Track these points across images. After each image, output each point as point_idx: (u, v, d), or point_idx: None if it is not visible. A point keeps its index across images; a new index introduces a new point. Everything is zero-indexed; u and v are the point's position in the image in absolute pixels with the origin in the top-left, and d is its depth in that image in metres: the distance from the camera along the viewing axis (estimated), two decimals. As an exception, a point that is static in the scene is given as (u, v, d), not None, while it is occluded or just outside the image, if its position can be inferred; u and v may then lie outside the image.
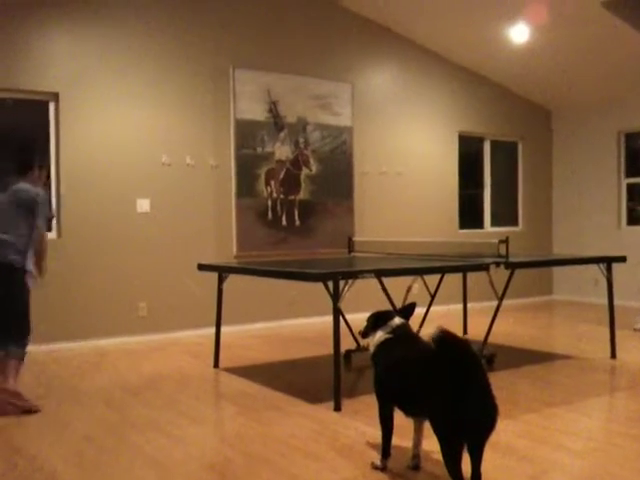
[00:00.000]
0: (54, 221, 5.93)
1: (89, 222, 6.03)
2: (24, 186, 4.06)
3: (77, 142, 5.96)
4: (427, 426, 2.59)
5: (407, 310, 3.12)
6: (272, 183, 6.92)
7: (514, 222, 9.20)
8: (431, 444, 2.72)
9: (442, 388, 2.40)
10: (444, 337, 2.42)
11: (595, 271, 5.42)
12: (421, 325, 5.49)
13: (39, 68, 5.81)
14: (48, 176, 4.76)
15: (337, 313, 3.78)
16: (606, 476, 2.81)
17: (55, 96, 5.91)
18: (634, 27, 6.60)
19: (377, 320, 3.01)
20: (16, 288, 3.98)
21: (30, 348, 5.58)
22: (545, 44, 7.32)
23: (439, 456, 2.43)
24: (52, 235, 5.93)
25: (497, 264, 4.62)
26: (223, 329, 5.18)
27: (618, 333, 5.32)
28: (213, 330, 5.11)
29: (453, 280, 5.94)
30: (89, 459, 3.12)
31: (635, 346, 5.70)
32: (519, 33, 7.08)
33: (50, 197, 4.67)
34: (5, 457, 3.14)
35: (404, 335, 2.90)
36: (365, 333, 3.05)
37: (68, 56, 5.94)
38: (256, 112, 6.80)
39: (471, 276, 5.81)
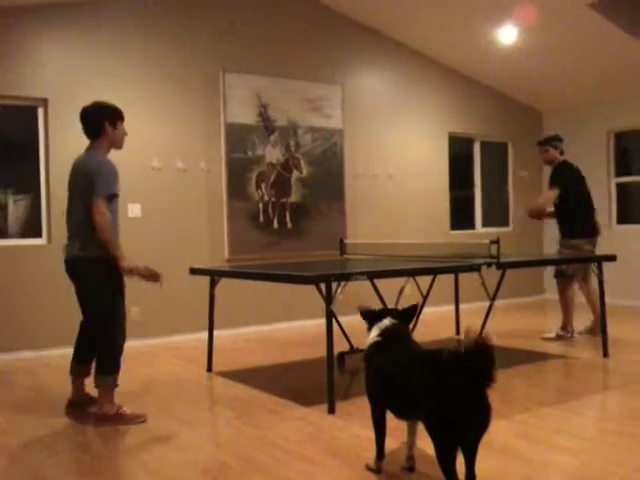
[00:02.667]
0: (44, 225, 5.91)
1: (80, 228, 5.99)
2: (84, 158, 3.84)
3: (66, 147, 5.90)
4: (421, 427, 2.59)
5: (407, 312, 3.05)
6: (263, 186, 6.92)
7: (505, 222, 9.23)
8: (425, 445, 2.72)
9: (436, 390, 2.41)
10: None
11: (586, 270, 5.46)
12: (414, 326, 5.49)
13: (27, 74, 5.78)
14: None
15: (330, 315, 3.79)
16: (600, 475, 2.82)
17: (44, 102, 5.89)
18: (620, 27, 6.64)
19: (371, 319, 3.00)
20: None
21: (22, 354, 5.62)
22: (533, 45, 7.36)
23: (433, 457, 2.43)
24: (42, 241, 5.91)
25: (488, 264, 4.63)
26: (216, 333, 5.17)
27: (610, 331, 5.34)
28: (206, 334, 5.10)
29: (445, 281, 5.95)
30: (86, 467, 3.11)
31: (627, 345, 5.73)
32: (507, 35, 7.11)
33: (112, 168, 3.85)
34: (2, 467, 3.12)
35: (394, 337, 2.87)
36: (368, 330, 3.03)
37: (57, 62, 5.92)
38: (246, 116, 6.80)
39: (463, 277, 5.82)
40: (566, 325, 6.05)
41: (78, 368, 3.93)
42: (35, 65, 5.81)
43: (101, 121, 3.89)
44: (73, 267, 3.81)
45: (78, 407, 3.90)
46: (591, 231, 5.98)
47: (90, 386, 3.91)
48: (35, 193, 5.97)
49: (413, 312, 3.06)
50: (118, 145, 4.04)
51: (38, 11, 5.79)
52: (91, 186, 3.68)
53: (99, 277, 3.73)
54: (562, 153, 6.14)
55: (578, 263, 5.85)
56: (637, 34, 6.75)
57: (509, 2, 6.57)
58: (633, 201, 8.85)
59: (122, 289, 3.87)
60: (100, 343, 3.78)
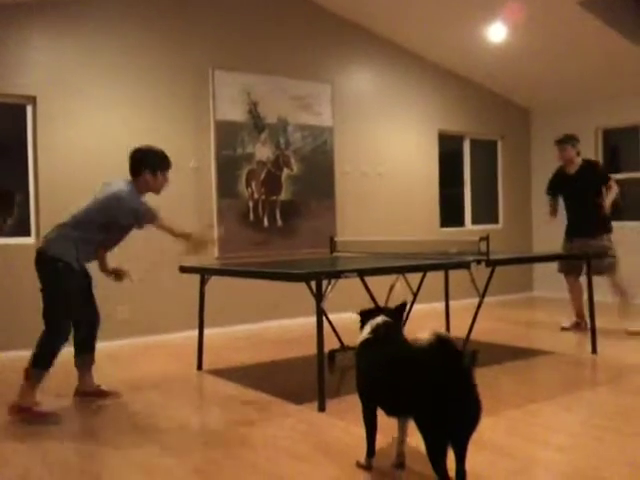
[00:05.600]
0: (33, 223, 5.88)
1: (69, 226, 5.96)
2: (114, 184, 4.04)
3: (55, 146, 5.90)
4: (411, 424, 2.59)
5: (397, 310, 3.09)
6: (253, 184, 6.91)
7: (494, 220, 9.26)
8: (416, 442, 2.73)
9: (425, 386, 2.41)
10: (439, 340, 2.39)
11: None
12: (404, 323, 5.50)
13: (16, 71, 5.74)
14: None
15: (320, 313, 3.79)
16: (589, 470, 2.84)
17: (32, 99, 5.85)
18: (610, 25, 6.68)
19: (364, 318, 3.02)
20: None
21: (11, 355, 5.58)
22: (523, 43, 7.38)
23: (424, 453, 2.44)
24: (30, 240, 5.88)
25: (478, 262, 4.64)
26: (206, 331, 5.16)
27: (598, 328, 5.37)
28: (196, 332, 5.09)
29: (435, 278, 5.96)
30: (74, 467, 3.09)
31: (615, 341, 5.76)
32: (496, 32, 7.13)
33: (137, 204, 4.02)
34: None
35: (385, 334, 2.89)
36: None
37: (46, 59, 5.88)
38: (236, 113, 6.79)
39: (453, 274, 5.83)
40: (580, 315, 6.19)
41: (79, 361, 4.16)
42: (23, 63, 5.76)
43: (140, 167, 4.07)
44: (36, 259, 4.01)
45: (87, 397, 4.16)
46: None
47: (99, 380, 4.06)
48: (24, 192, 5.92)
49: (403, 309, 3.08)
50: (155, 191, 4.20)
51: (26, 8, 5.74)
52: (118, 214, 3.97)
53: (48, 274, 3.95)
54: (579, 154, 6.26)
55: (568, 260, 5.90)
56: (626, 32, 6.79)
57: (498, 0, 6.58)
58: (622, 198, 8.88)
59: (74, 295, 4.00)
60: (41, 337, 3.94)
